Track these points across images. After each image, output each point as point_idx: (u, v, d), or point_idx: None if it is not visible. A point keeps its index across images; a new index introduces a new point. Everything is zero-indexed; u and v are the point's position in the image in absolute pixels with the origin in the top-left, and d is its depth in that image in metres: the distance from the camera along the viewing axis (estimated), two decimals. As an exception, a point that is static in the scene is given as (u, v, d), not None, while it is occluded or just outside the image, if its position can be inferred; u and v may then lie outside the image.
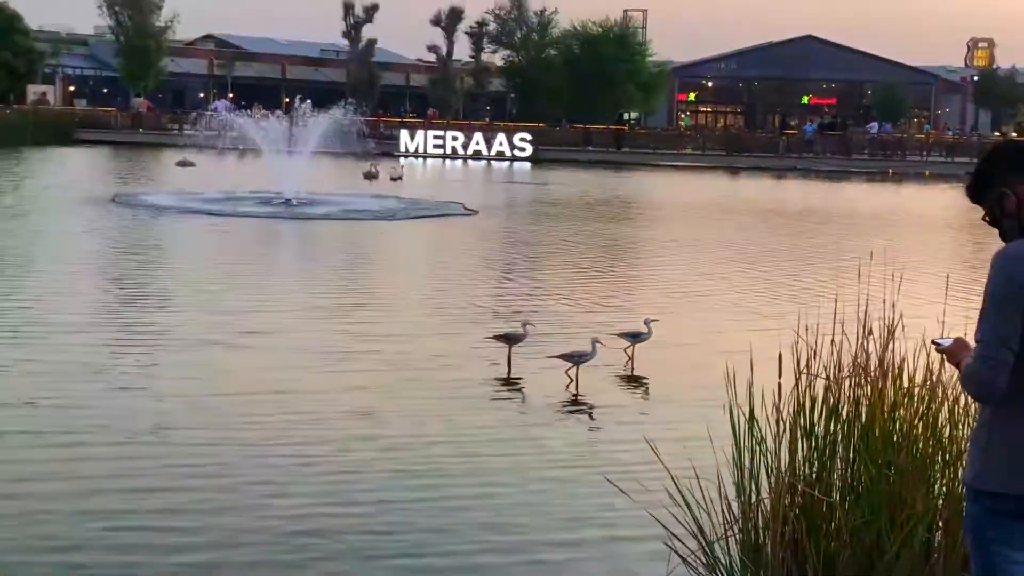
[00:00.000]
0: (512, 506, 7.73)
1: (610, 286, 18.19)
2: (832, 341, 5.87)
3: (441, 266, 20.56)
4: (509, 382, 11.03)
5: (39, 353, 11.38)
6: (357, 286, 17.50)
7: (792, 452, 5.74)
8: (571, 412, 10.23)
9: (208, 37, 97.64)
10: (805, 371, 5.81)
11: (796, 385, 5.79)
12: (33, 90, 69.40)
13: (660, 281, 18.95)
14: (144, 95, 73.51)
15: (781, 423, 5.77)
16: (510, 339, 11.52)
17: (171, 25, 75.18)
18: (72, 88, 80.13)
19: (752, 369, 5.73)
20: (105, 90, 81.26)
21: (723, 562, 5.81)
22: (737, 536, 5.83)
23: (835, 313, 5.92)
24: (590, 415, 10.14)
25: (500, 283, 17.97)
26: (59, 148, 53.62)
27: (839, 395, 5.82)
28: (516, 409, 10.44)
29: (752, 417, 5.80)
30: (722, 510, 5.86)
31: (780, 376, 5.77)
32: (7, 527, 6.90)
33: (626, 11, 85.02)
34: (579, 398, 10.45)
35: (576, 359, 10.80)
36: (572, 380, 10.78)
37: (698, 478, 5.93)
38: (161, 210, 26.45)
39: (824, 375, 5.84)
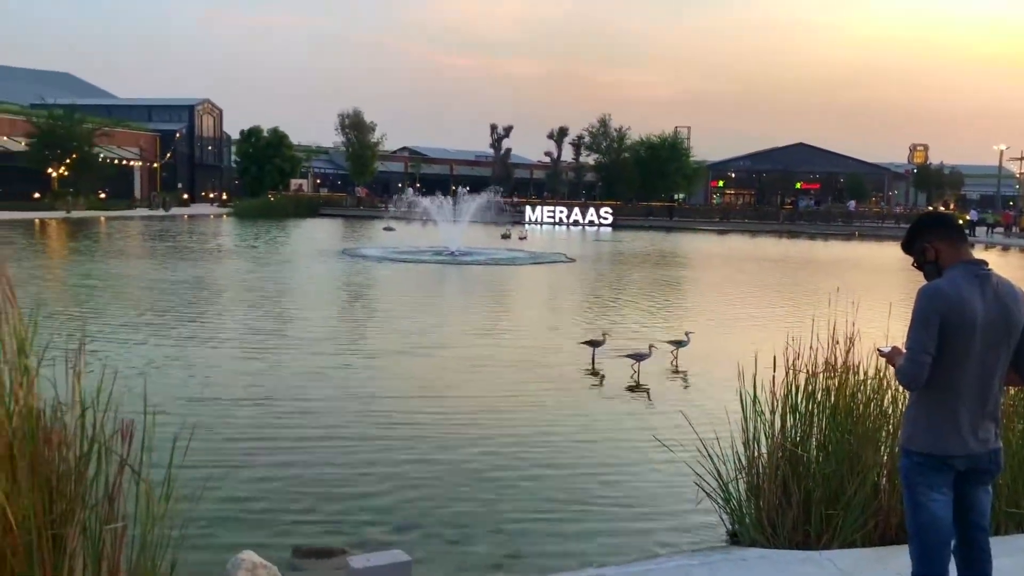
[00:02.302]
0: (593, 453, 7.65)
1: (663, 308, 17.93)
2: (811, 347, 5.71)
3: (552, 296, 20.53)
4: (593, 373, 10.92)
5: (288, 361, 11.18)
6: (499, 309, 17.55)
7: (782, 422, 5.60)
8: (633, 394, 10.03)
9: (404, 148, 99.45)
10: (792, 367, 5.67)
11: (786, 377, 5.66)
12: (294, 183, 71.48)
13: (697, 305, 18.62)
14: (363, 185, 75.19)
15: (775, 402, 5.64)
16: (594, 344, 11.42)
17: (381, 140, 76.90)
18: (318, 181, 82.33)
19: (756, 366, 5.62)
20: (339, 182, 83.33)
21: (734, 496, 5.68)
22: (744, 479, 5.68)
23: (812, 328, 5.76)
24: (647, 396, 9.96)
25: (590, 307, 17.83)
26: (309, 219, 55.09)
27: (816, 384, 5.66)
28: (597, 391, 10.25)
29: (755, 398, 5.68)
30: (734, 461, 5.72)
31: (775, 370, 5.65)
32: (295, 475, 7.04)
33: (676, 127, 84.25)
34: (639, 385, 10.31)
35: (637, 358, 10.67)
36: (635, 372, 10.64)
37: (717, 440, 5.80)
38: (373, 259, 26.97)
39: (805, 370, 5.68)
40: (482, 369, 11.02)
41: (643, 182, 75.98)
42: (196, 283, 19.46)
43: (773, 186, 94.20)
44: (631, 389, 10.13)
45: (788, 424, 5.61)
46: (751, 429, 5.67)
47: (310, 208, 61.54)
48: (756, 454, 5.65)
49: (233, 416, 8.40)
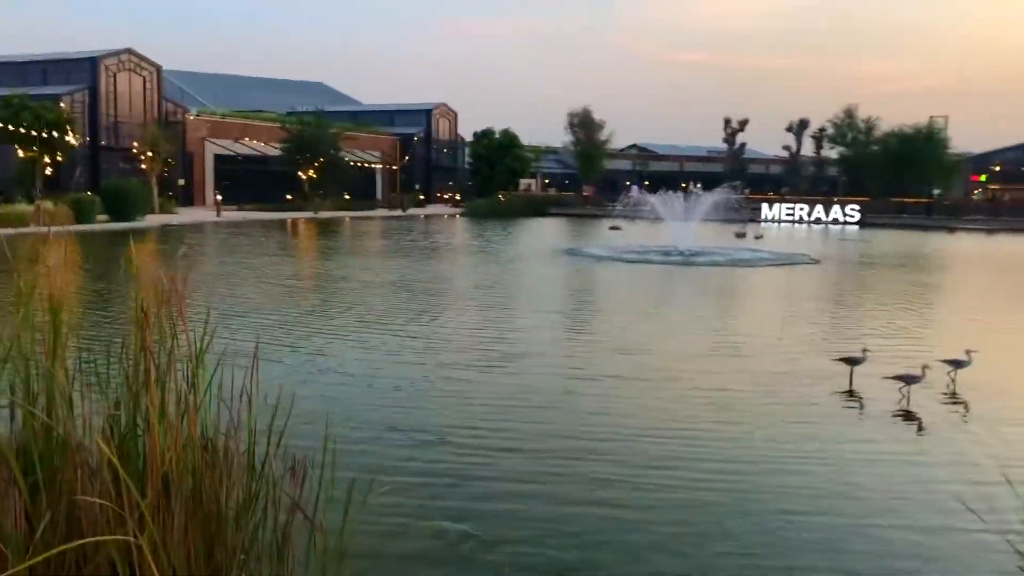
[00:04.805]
0: (859, 503, 6.23)
1: (930, 320, 15.77)
2: None
3: (796, 302, 18.76)
4: (851, 396, 9.40)
5: (498, 380, 9.89)
6: (736, 316, 16.17)
7: None
8: (904, 425, 8.40)
9: (633, 145, 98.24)
10: None
11: None
12: (523, 182, 72.59)
13: (972, 317, 16.21)
14: (591, 184, 75.02)
15: None
16: (852, 362, 9.89)
17: (609, 138, 76.42)
18: (547, 180, 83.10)
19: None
20: (567, 181, 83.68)
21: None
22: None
23: None
24: (919, 428, 8.31)
25: (839, 316, 15.97)
26: (537, 218, 55.49)
27: None
28: (859, 419, 8.70)
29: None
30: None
31: None
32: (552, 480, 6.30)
33: (931, 117, 77.13)
34: (909, 413, 8.68)
35: (907, 380, 9.05)
36: (903, 397, 9.03)
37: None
38: (598, 259, 26.25)
39: None
40: (722, 394, 9.41)
41: (893, 177, 70.27)
42: (420, 284, 19.54)
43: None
44: (900, 418, 8.52)
45: None
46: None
47: (538, 208, 62.06)
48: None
49: (426, 449, 7.19)
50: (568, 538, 5.45)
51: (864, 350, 10.02)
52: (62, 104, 44.21)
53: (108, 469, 3.17)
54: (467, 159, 76.70)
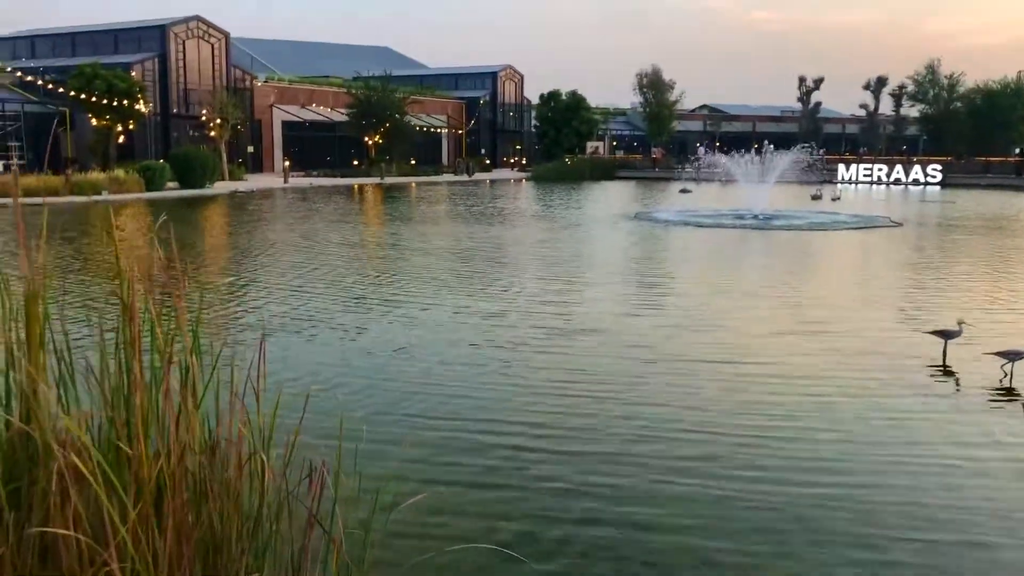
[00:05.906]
0: (969, 490, 5.55)
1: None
2: None
3: (876, 268, 17.69)
4: (946, 372, 8.57)
5: (556, 361, 9.61)
6: (815, 285, 15.25)
7: None
8: (1009, 406, 7.59)
9: (704, 106, 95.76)
10: None
11: None
12: (590, 145, 71.33)
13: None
14: (659, 146, 73.36)
15: None
16: (947, 335, 9.06)
17: (679, 99, 74.34)
18: (614, 143, 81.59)
19: None
20: (635, 143, 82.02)
21: None
22: None
23: None
24: (1026, 410, 7.52)
25: (927, 283, 14.90)
26: (604, 182, 54.51)
27: None
28: (955, 399, 7.81)
29: None
30: None
31: None
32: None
33: (1020, 72, 73.06)
34: (1013, 391, 7.85)
35: (1011, 357, 8.21)
36: (1006, 375, 8.19)
37: None
38: (667, 223, 25.37)
39: None
40: (806, 373, 8.57)
41: (978, 135, 66.92)
42: (481, 252, 19.02)
43: None
44: (1003, 399, 7.71)
45: None
46: None
47: (605, 171, 61.00)
48: None
49: (473, 444, 6.37)
50: (626, 546, 4.89)
51: (960, 322, 9.14)
52: (133, 72, 44.64)
53: (83, 487, 2.70)
54: (533, 122, 75.61)
